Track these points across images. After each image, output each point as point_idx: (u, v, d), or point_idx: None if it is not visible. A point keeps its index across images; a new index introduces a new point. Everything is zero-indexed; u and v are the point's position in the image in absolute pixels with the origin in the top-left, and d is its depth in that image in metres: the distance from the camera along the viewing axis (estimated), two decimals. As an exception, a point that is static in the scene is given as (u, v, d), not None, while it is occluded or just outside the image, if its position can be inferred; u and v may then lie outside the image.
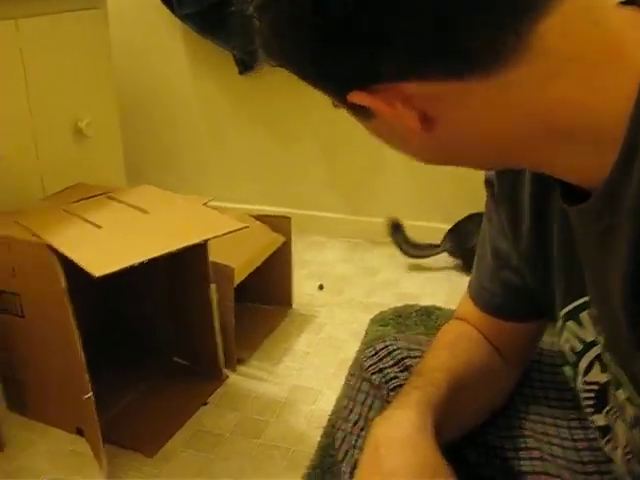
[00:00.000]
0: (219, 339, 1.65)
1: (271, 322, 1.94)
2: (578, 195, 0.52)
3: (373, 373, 0.81)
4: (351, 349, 1.76)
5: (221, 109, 2.46)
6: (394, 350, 0.82)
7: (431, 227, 2.25)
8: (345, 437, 0.81)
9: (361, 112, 0.52)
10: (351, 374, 0.85)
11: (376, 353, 0.83)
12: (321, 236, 2.35)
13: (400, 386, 0.78)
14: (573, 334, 0.64)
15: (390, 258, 2.26)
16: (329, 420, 1.52)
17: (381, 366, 0.81)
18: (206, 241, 1.43)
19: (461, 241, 2.16)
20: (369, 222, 2.34)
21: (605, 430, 0.67)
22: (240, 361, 1.77)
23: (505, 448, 0.78)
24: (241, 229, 1.35)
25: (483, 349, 0.79)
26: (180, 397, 1.63)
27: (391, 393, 0.79)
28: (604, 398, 0.64)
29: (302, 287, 2.02)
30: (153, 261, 1.23)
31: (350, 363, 1.61)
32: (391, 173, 2.35)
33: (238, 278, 1.70)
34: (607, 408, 0.65)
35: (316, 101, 2.26)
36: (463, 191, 2.16)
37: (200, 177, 2.53)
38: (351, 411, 0.81)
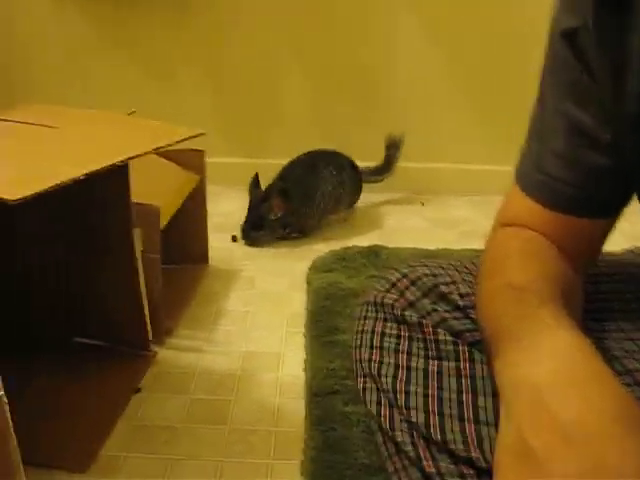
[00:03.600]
0: (145, 304, 1.22)
1: (189, 282, 1.54)
2: None
3: (404, 309, 0.67)
4: (296, 302, 1.49)
5: (82, 34, 1.99)
6: (417, 279, 0.68)
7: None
8: (381, 399, 0.64)
9: None
10: (364, 317, 0.71)
11: (394, 285, 0.70)
12: (214, 185, 1.94)
13: (445, 320, 0.65)
14: None
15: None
16: (309, 387, 1.18)
17: (411, 299, 0.68)
18: (126, 161, 1.00)
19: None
20: (268, 165, 1.98)
21: None
22: (167, 332, 1.35)
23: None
24: (196, 136, 0.93)
25: (558, 256, 0.62)
26: (100, 388, 1.17)
27: (439, 330, 0.65)
28: None
29: (213, 240, 1.64)
30: (51, 197, 0.79)
31: (300, 317, 1.34)
32: (289, 108, 2.05)
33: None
34: None
35: (198, 22, 1.93)
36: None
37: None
38: (381, 363, 0.66)
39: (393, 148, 1.95)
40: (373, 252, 1.63)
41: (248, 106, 2.06)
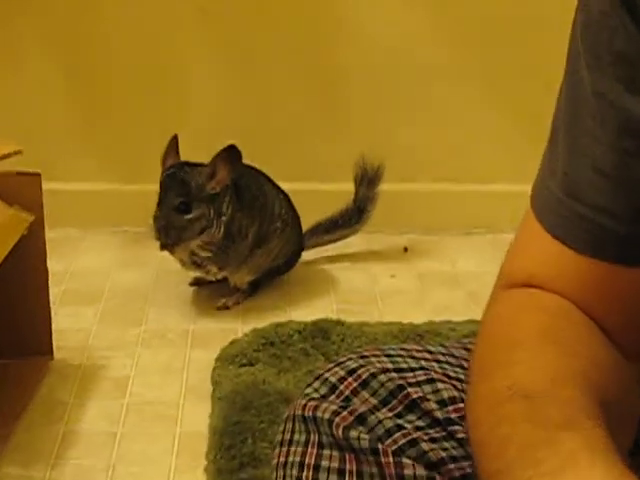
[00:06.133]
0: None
1: (20, 389, 1.53)
2: None
3: (349, 428, 0.66)
4: (193, 417, 1.50)
5: None
6: (372, 377, 0.69)
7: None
8: None
9: None
10: (288, 441, 0.70)
11: (334, 388, 0.70)
12: (70, 228, 1.99)
13: (415, 443, 0.65)
14: None
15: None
16: None
17: (361, 411, 0.67)
18: None
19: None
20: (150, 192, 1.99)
21: None
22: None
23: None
24: (9, 156, 0.92)
25: (599, 339, 0.65)
26: None
27: (404, 460, 0.65)
28: None
29: (61, 320, 1.65)
30: None
31: (200, 441, 1.38)
32: (192, 109, 2.11)
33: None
34: None
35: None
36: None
37: None
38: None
39: (367, 183, 1.95)
40: (321, 331, 1.63)
41: (125, 107, 2.10)
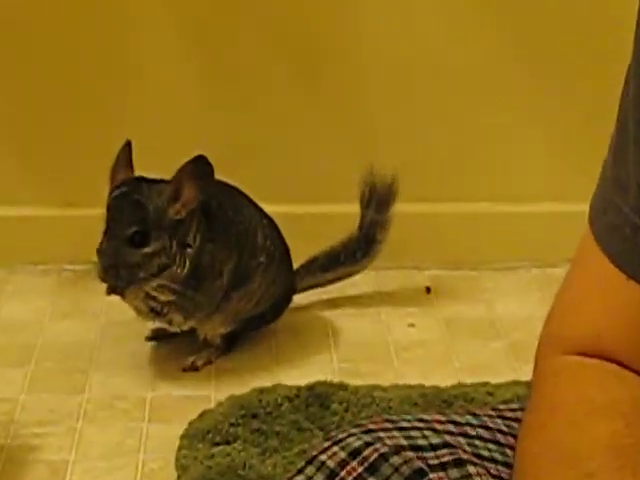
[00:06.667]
0: None
1: None
2: None
3: None
4: None
5: None
6: (381, 459, 0.69)
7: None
8: None
9: None
10: None
11: (333, 475, 0.70)
12: None
13: None
14: None
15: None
16: None
17: None
18: None
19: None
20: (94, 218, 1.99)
21: None
22: None
23: None
24: None
25: None
26: None
27: None
28: None
29: None
30: None
31: None
32: (144, 119, 2.12)
33: None
34: None
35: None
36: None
37: None
38: None
39: (376, 204, 1.97)
40: (318, 398, 1.64)
41: (62, 108, 2.11)
